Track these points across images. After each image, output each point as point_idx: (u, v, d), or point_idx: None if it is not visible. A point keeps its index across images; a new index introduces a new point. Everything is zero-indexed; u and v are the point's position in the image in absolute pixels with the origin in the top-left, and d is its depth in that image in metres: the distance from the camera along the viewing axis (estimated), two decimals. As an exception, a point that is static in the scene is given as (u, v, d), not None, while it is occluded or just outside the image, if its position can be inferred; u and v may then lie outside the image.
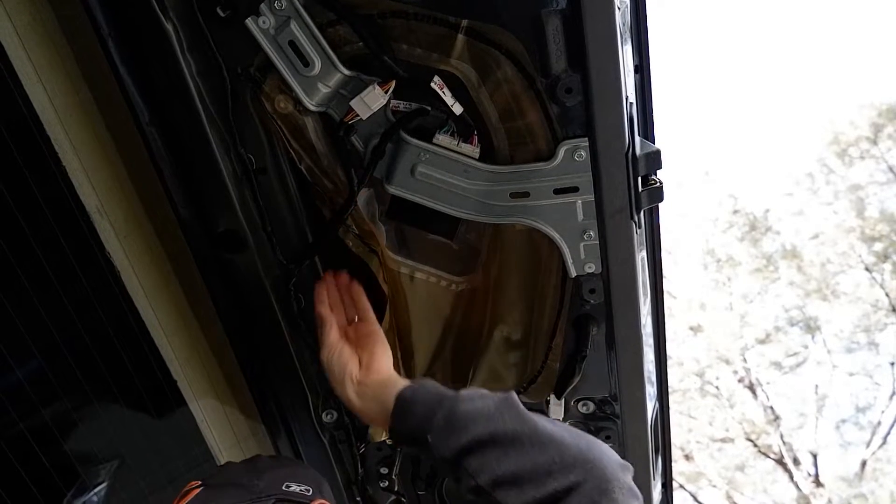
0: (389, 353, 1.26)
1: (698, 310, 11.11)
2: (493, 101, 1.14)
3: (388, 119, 1.19)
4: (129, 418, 1.42)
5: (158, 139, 1.18)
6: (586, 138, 1.11)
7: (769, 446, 10.43)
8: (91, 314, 1.29)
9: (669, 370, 1.65)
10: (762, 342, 11.01)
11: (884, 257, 10.55)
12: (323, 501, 1.08)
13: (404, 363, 1.49)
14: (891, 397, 10.38)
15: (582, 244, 1.22)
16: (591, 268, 1.24)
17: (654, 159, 1.16)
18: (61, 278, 1.21)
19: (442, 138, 1.18)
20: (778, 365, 11.00)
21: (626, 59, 1.11)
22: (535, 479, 0.95)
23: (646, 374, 1.40)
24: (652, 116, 1.28)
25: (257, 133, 1.22)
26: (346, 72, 1.14)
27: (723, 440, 10.69)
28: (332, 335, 1.25)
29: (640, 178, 1.16)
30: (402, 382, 1.13)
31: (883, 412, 10.38)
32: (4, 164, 1.10)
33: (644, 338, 1.35)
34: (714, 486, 10.52)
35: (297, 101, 1.16)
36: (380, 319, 1.35)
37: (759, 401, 10.73)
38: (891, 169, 10.75)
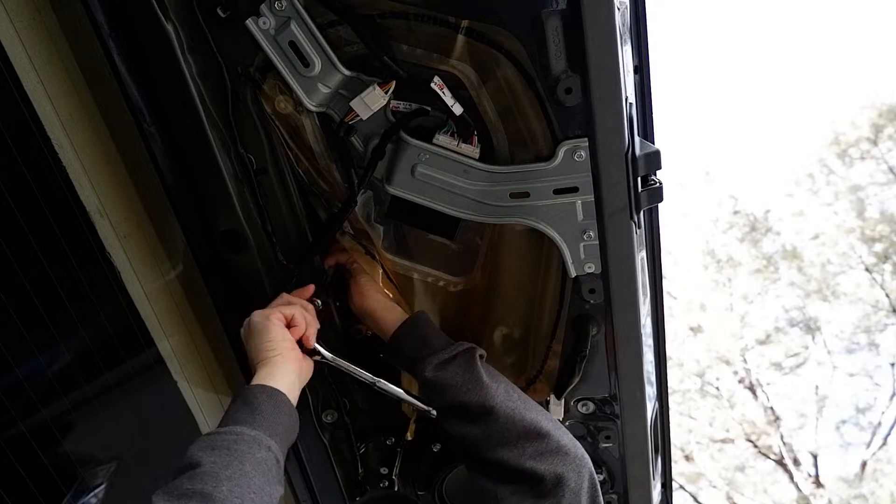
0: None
1: (698, 310, 11.09)
2: (493, 101, 1.14)
3: (388, 119, 1.19)
4: (129, 418, 1.42)
5: (158, 139, 1.18)
6: (586, 138, 1.11)
7: (769, 447, 10.42)
8: (91, 314, 1.29)
9: (669, 371, 1.65)
10: (762, 343, 10.99)
11: (884, 258, 10.53)
12: None
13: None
14: (891, 398, 10.36)
15: (582, 244, 1.22)
16: (590, 268, 1.24)
17: (654, 159, 1.16)
18: (61, 278, 1.21)
19: (442, 138, 1.18)
20: (778, 366, 10.98)
21: (626, 59, 1.11)
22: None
23: (645, 375, 1.40)
24: (652, 117, 1.28)
25: (257, 133, 1.22)
26: (347, 72, 1.14)
27: (723, 441, 10.67)
28: None
29: (639, 179, 1.16)
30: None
31: (883, 413, 10.36)
32: (4, 164, 1.10)
33: (644, 338, 1.35)
34: (714, 487, 10.50)
35: (298, 102, 1.17)
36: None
37: (760, 401, 10.71)
38: (891, 170, 10.74)
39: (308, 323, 1.25)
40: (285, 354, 1.18)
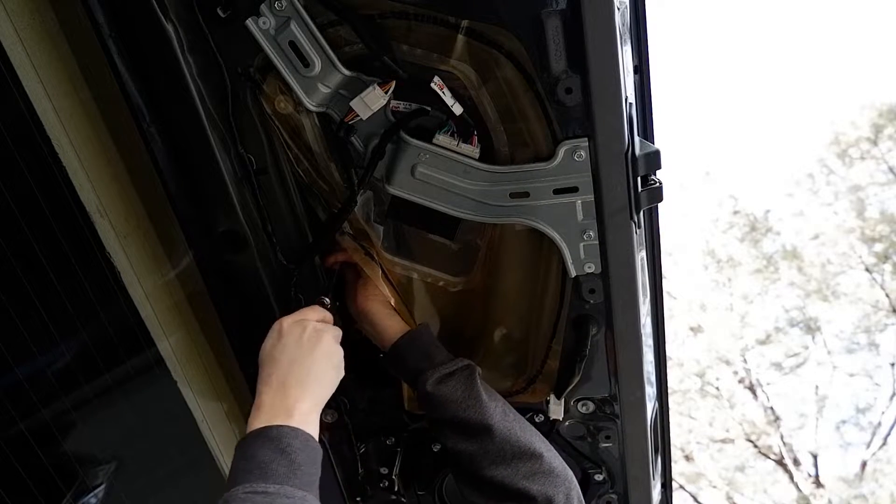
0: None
1: (698, 310, 11.10)
2: (493, 101, 1.14)
3: (388, 119, 1.19)
4: (129, 418, 1.42)
5: (158, 139, 1.18)
6: (586, 138, 1.11)
7: (769, 447, 10.42)
8: (91, 314, 1.29)
9: (670, 371, 1.65)
10: (762, 343, 10.99)
11: (884, 258, 10.54)
12: None
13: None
14: (891, 398, 10.36)
15: (582, 244, 1.22)
16: (590, 268, 1.24)
17: (654, 159, 1.16)
18: (61, 278, 1.21)
19: (442, 138, 1.18)
20: (778, 366, 10.98)
21: (626, 59, 1.11)
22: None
23: (645, 375, 1.40)
24: (651, 116, 1.28)
25: (257, 134, 1.22)
26: (347, 72, 1.14)
27: (723, 441, 10.67)
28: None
29: (639, 179, 1.16)
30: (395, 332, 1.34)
31: (883, 413, 10.37)
32: (4, 164, 1.10)
33: (644, 338, 1.35)
34: (714, 487, 10.51)
35: (298, 102, 1.17)
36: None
37: (760, 401, 10.72)
38: (891, 170, 10.74)
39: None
40: (331, 393, 1.12)
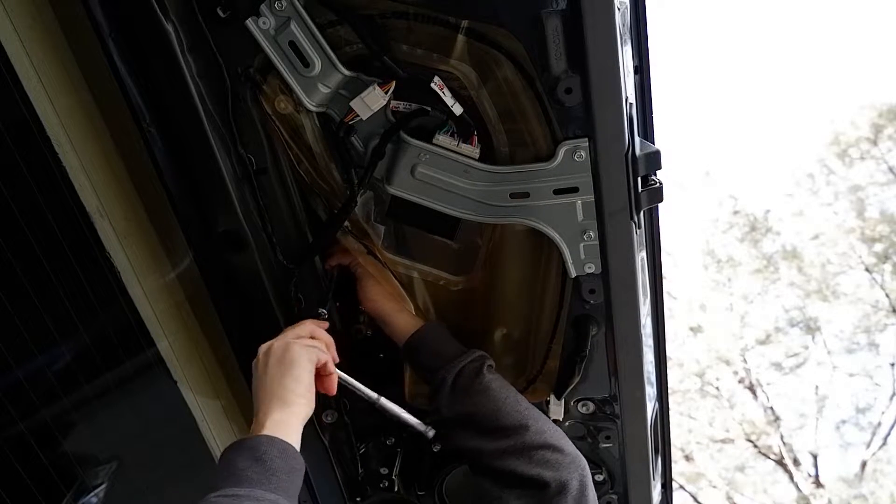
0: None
1: (698, 310, 11.09)
2: (493, 101, 1.14)
3: (388, 119, 1.19)
4: (129, 418, 1.42)
5: (158, 139, 1.18)
6: (586, 139, 1.11)
7: (769, 447, 10.41)
8: (91, 314, 1.29)
9: (670, 371, 1.65)
10: (762, 343, 10.98)
11: (884, 258, 10.53)
12: None
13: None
14: (891, 398, 10.35)
15: (582, 244, 1.22)
16: (590, 268, 1.24)
17: (654, 160, 1.16)
18: (61, 278, 1.21)
19: (442, 139, 1.18)
20: (778, 366, 10.98)
21: (626, 59, 1.11)
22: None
23: (645, 375, 1.40)
24: (652, 117, 1.28)
25: (257, 134, 1.22)
26: (347, 72, 1.14)
27: (723, 441, 10.67)
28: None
29: (639, 179, 1.16)
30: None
31: (883, 413, 10.36)
32: (5, 164, 1.10)
33: (644, 338, 1.35)
34: (714, 487, 10.50)
35: (298, 102, 1.17)
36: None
37: (760, 401, 10.71)
38: (891, 170, 10.74)
39: (329, 358, 1.21)
40: (308, 403, 1.13)
